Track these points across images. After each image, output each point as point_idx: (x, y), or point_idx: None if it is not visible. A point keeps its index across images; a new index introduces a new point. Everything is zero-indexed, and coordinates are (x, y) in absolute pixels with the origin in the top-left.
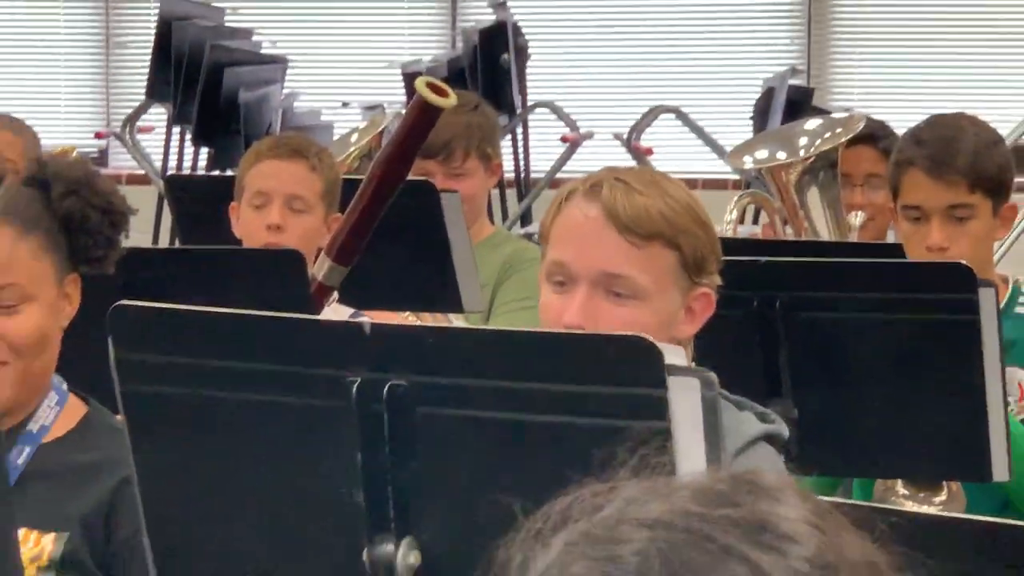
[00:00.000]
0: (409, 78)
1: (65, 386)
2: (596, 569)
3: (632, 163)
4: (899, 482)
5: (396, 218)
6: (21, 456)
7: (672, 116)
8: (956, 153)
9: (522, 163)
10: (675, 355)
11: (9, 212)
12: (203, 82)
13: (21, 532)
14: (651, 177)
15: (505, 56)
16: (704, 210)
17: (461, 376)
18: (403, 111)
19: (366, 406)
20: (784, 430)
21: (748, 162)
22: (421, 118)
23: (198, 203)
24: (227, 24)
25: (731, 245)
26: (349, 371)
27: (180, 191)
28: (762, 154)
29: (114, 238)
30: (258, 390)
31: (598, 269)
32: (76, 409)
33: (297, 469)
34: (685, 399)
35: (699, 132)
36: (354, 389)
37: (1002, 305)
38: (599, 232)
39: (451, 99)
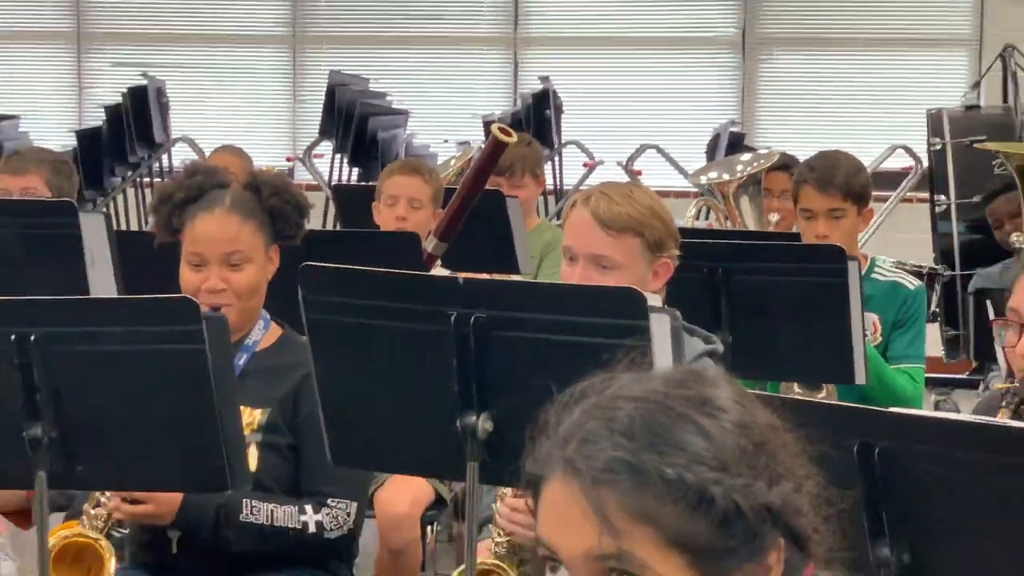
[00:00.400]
0: (486, 124)
1: (269, 316)
2: (602, 425)
3: (626, 179)
4: (795, 384)
5: (478, 213)
6: (241, 360)
7: (655, 150)
8: (835, 175)
9: (558, 180)
10: (654, 300)
11: (236, 206)
12: (355, 126)
13: (242, 408)
14: (626, 190)
15: (548, 111)
16: (665, 209)
17: (519, 311)
18: (482, 146)
19: (460, 330)
20: (720, 348)
21: (703, 180)
22: (494, 150)
23: (352, 203)
24: (371, 89)
25: (689, 233)
26: (449, 308)
27: (341, 196)
28: (712, 175)
29: (301, 224)
30: (392, 318)
31: (590, 252)
32: (276, 331)
33: (416, 369)
34: (660, 327)
35: (671, 160)
36: (452, 319)
37: (863, 272)
38: (589, 229)
39: (514, 138)
